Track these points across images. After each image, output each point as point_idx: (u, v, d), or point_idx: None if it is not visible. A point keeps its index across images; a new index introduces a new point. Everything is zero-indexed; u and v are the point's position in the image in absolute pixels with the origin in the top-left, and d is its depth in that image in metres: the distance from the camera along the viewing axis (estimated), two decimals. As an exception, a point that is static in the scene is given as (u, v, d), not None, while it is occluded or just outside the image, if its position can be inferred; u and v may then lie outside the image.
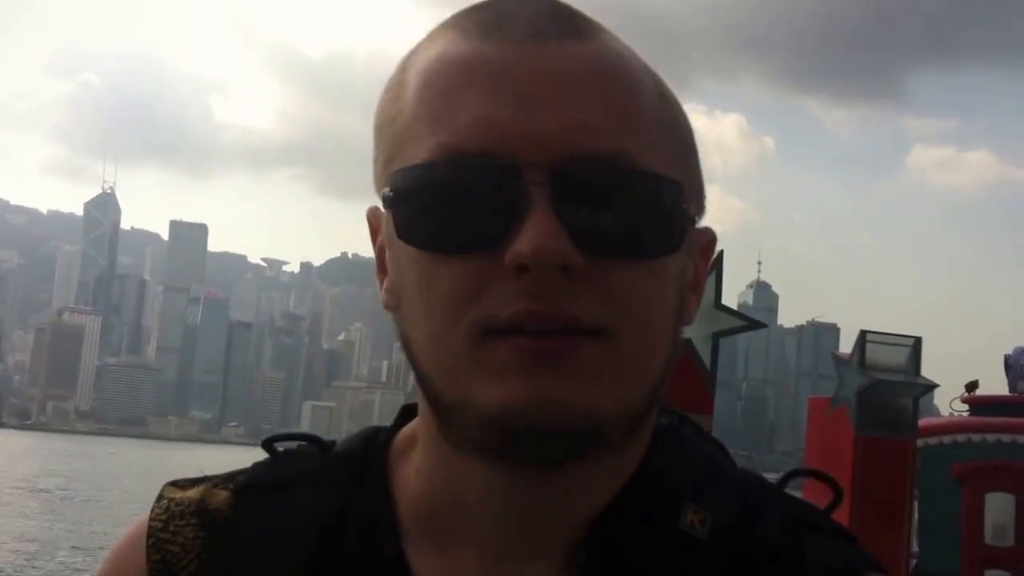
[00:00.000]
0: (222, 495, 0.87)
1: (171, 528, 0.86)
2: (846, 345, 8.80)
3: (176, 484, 0.90)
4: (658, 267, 0.74)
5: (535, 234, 0.69)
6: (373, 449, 0.87)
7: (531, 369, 0.70)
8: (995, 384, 11.26)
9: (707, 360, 5.86)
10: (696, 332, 5.72)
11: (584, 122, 0.72)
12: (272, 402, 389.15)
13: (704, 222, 0.83)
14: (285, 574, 0.81)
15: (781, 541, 0.80)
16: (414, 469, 0.83)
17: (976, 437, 10.37)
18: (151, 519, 0.88)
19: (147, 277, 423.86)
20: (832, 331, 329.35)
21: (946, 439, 10.40)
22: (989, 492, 9.94)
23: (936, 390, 9.13)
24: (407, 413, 0.88)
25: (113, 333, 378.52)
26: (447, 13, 0.86)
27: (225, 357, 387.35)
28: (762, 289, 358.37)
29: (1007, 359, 11.19)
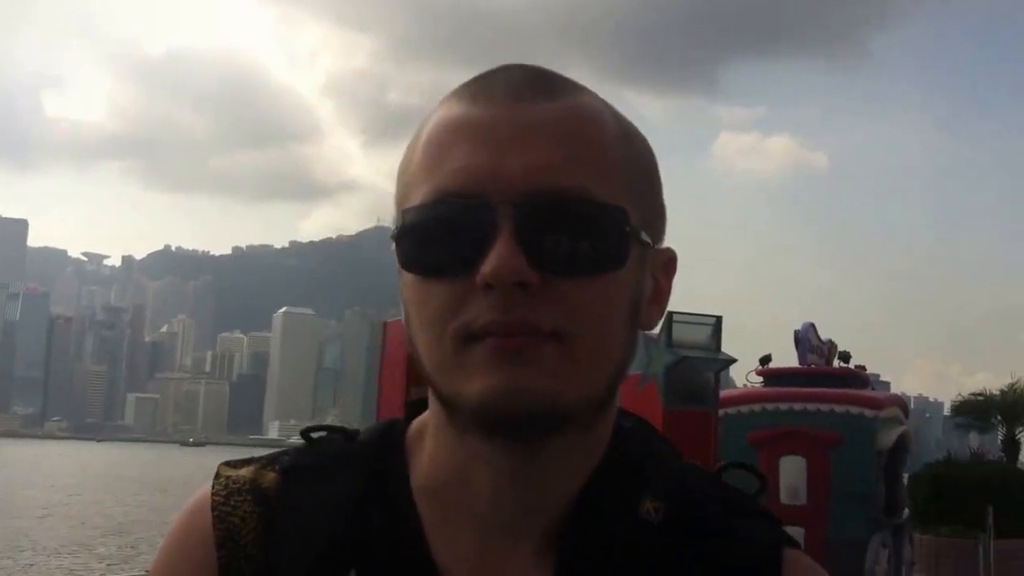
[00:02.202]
0: (270, 475, 0.96)
1: (231, 503, 0.95)
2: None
3: (229, 464, 1.00)
4: (606, 281, 0.85)
5: (495, 258, 0.81)
6: (391, 438, 0.98)
7: (502, 364, 0.82)
8: (788, 357, 11.67)
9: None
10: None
11: (545, 164, 0.84)
12: (95, 395, 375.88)
13: None
14: (325, 546, 0.91)
15: (718, 523, 0.93)
16: (427, 454, 0.95)
17: (770, 406, 10.72)
18: (212, 494, 0.96)
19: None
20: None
21: (743, 409, 10.72)
22: (783, 456, 10.27)
23: (733, 364, 9.38)
24: (412, 408, 1.00)
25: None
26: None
27: (47, 352, 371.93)
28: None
29: (797, 334, 11.57)
